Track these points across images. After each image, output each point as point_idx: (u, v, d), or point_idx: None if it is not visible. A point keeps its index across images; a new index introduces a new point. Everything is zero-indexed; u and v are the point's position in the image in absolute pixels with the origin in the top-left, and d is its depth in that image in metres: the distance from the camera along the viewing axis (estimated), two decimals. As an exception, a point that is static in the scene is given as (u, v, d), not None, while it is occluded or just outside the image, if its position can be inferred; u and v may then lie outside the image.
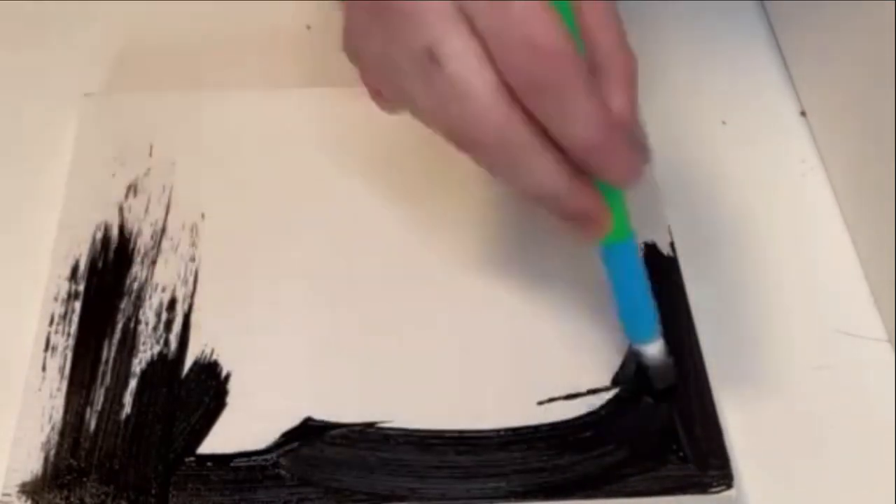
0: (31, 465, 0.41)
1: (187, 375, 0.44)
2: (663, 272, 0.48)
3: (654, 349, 0.43)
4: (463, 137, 0.37)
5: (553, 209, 0.39)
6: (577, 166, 0.38)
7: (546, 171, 0.37)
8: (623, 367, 0.44)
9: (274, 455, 0.41)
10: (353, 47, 0.40)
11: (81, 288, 0.46)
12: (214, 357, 0.45)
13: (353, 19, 0.40)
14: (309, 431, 0.42)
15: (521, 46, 0.35)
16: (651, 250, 0.48)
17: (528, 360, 0.45)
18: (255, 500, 0.41)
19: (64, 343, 0.45)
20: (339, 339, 0.45)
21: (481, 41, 0.36)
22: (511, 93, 0.36)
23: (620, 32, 0.39)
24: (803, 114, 0.56)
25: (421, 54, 0.36)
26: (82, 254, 0.47)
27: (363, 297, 0.47)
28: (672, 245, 0.48)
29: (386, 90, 0.40)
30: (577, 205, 0.38)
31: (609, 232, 0.40)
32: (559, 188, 0.38)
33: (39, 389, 0.43)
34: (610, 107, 0.37)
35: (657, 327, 0.43)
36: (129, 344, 0.45)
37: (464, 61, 0.36)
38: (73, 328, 0.45)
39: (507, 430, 0.43)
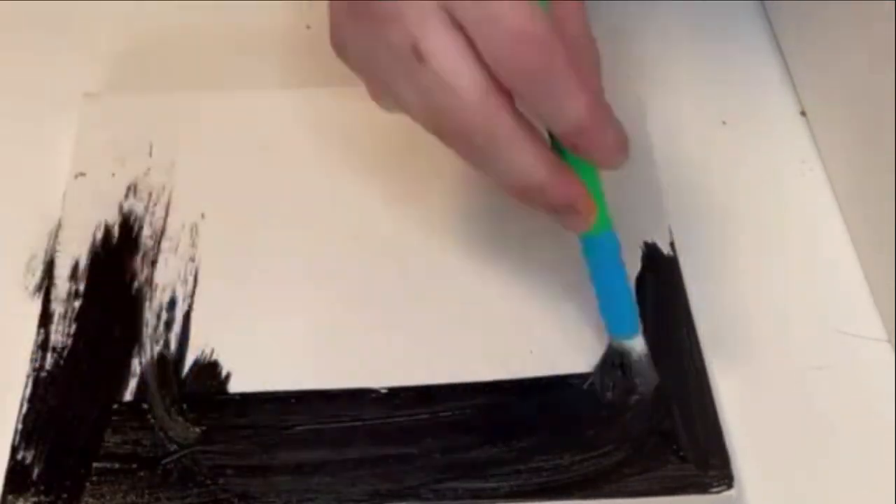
0: (32, 465, 0.41)
1: (187, 375, 0.44)
2: (663, 272, 0.48)
3: (635, 345, 0.43)
4: (449, 131, 0.38)
5: (538, 201, 0.39)
6: (559, 158, 0.39)
7: (531, 161, 0.38)
8: (603, 364, 0.44)
9: None
10: (340, 44, 0.41)
11: (81, 288, 0.46)
12: (214, 357, 0.45)
13: (337, 17, 0.40)
14: None
15: (506, 36, 0.36)
16: (651, 250, 0.48)
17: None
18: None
19: (64, 343, 0.45)
20: (341, 337, 0.45)
21: (464, 35, 0.36)
22: (495, 84, 0.37)
23: (586, 22, 0.40)
24: (803, 114, 0.56)
25: (405, 52, 0.37)
26: (82, 254, 0.47)
27: (364, 295, 0.47)
28: (672, 245, 0.48)
29: (373, 86, 0.41)
30: (562, 194, 0.39)
31: (595, 222, 0.40)
32: (544, 178, 0.38)
33: (40, 389, 0.43)
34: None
35: (638, 323, 0.43)
36: (129, 344, 0.45)
37: (448, 56, 0.36)
38: (73, 328, 0.45)
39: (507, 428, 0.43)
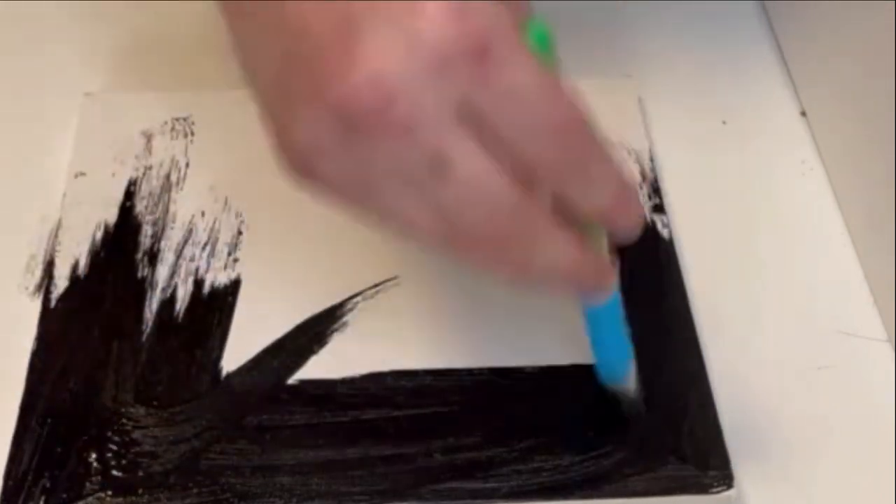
0: (31, 464, 0.41)
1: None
2: (663, 272, 0.48)
3: (628, 388, 0.42)
4: (476, 242, 0.33)
5: (569, 283, 0.36)
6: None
7: (565, 248, 0.34)
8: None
9: None
10: (312, 171, 0.32)
11: (81, 288, 0.46)
12: (215, 357, 0.45)
13: (309, 137, 0.32)
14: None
15: (541, 127, 0.32)
16: (651, 250, 0.48)
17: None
18: None
19: (63, 343, 0.45)
20: (342, 336, 0.45)
21: (483, 126, 0.31)
22: (519, 176, 0.33)
23: None
24: (803, 114, 0.56)
25: (420, 168, 0.31)
26: (82, 253, 0.47)
27: (364, 293, 0.47)
28: (672, 245, 0.48)
29: (358, 210, 0.34)
30: (592, 271, 0.36)
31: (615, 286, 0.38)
32: (579, 265, 0.35)
33: (39, 389, 0.43)
34: None
35: (631, 369, 0.42)
36: (129, 344, 0.45)
37: (476, 161, 0.31)
38: (73, 328, 0.45)
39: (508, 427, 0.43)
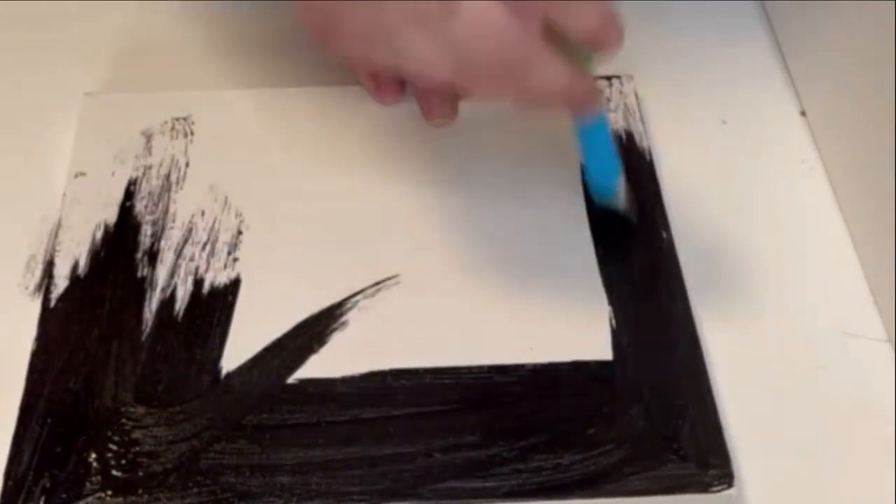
0: (31, 464, 0.41)
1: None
2: (663, 272, 0.48)
3: (618, 203, 0.48)
4: (483, 71, 0.40)
5: (559, 104, 0.43)
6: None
7: (559, 72, 0.41)
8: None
9: None
10: (328, 27, 0.42)
11: (81, 288, 0.46)
12: (215, 356, 0.45)
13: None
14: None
15: None
16: (651, 250, 0.48)
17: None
18: None
19: (63, 343, 0.45)
20: (341, 335, 0.45)
21: None
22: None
23: None
24: (803, 114, 0.56)
25: (433, 9, 0.39)
26: (82, 253, 0.47)
27: (362, 291, 0.47)
28: (672, 244, 0.48)
29: (376, 57, 0.43)
30: (582, 92, 0.43)
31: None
32: (568, 84, 0.41)
33: (39, 388, 0.43)
34: None
35: (620, 186, 0.48)
36: (128, 344, 0.45)
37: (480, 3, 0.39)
38: (73, 328, 0.45)
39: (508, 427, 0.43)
